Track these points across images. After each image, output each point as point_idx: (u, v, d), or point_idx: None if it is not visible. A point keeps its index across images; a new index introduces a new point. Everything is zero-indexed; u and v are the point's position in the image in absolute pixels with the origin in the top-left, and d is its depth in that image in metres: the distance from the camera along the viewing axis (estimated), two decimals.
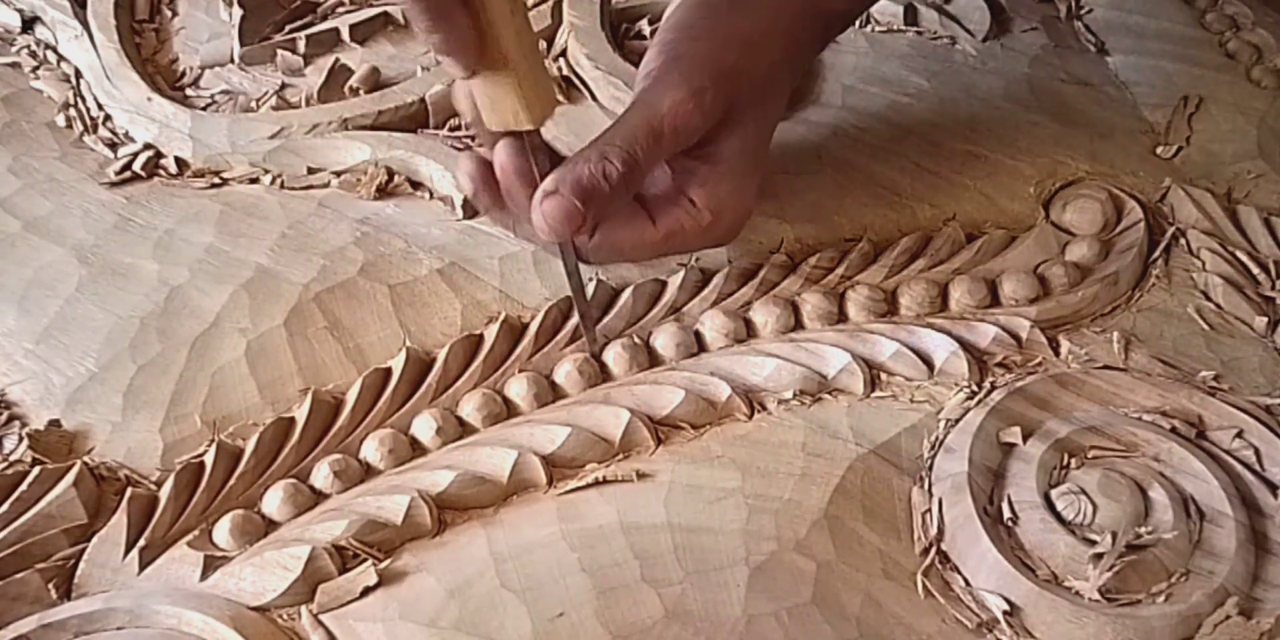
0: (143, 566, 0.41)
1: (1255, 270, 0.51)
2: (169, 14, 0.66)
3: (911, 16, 0.63)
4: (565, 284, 0.50)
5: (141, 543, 0.41)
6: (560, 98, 0.55)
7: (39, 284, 0.51)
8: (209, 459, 0.43)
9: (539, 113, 0.43)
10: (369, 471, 0.44)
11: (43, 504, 0.42)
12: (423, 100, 0.58)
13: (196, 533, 0.42)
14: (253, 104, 0.60)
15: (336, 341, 0.48)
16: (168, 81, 0.62)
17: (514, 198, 0.46)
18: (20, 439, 0.44)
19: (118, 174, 0.56)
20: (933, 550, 0.42)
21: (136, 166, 0.56)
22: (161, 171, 0.56)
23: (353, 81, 0.60)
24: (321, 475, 0.43)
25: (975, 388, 0.46)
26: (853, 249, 0.51)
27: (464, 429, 0.45)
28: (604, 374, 0.47)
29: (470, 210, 0.53)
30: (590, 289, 0.48)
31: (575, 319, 0.48)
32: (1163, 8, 0.65)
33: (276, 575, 0.40)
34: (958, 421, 0.45)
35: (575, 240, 0.46)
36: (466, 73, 0.42)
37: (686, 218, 0.46)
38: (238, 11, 0.63)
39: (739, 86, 0.46)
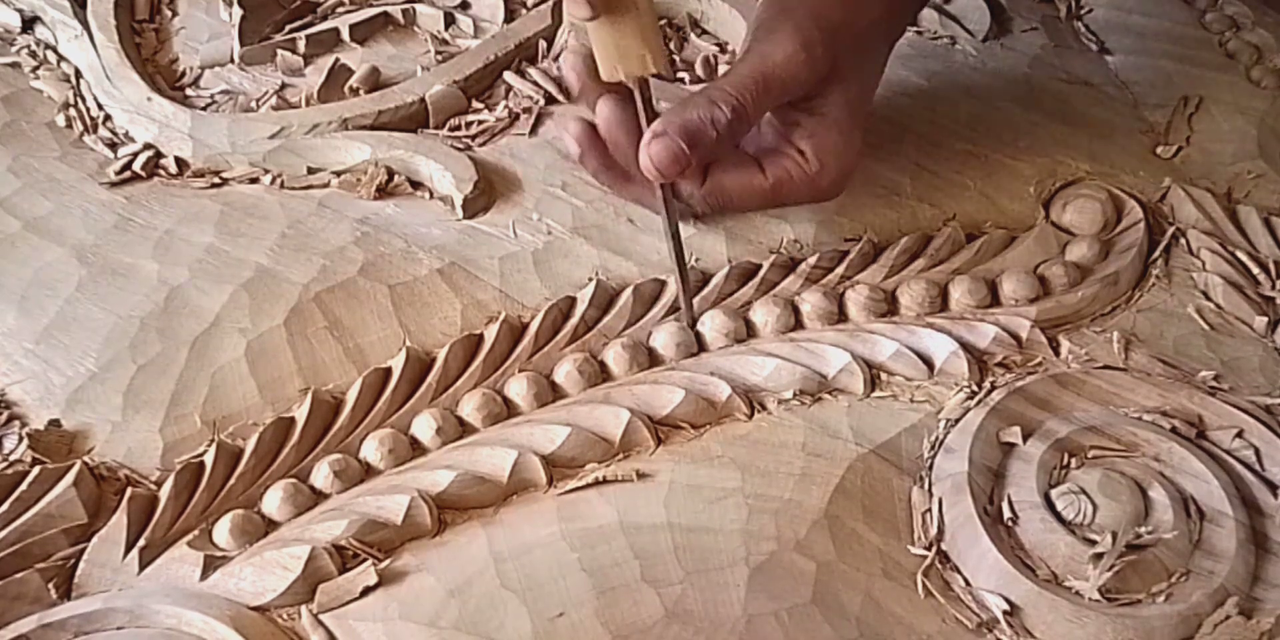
0: (143, 566, 0.41)
1: (1255, 270, 0.51)
2: (169, 14, 0.66)
3: None
4: (565, 284, 0.50)
5: (141, 543, 0.41)
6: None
7: (39, 284, 0.51)
8: (209, 459, 0.43)
9: (663, 57, 0.45)
10: (369, 471, 0.44)
11: (43, 504, 0.42)
12: (423, 100, 0.58)
13: (196, 533, 0.42)
14: (253, 104, 0.60)
15: (336, 341, 0.48)
16: (168, 81, 0.62)
17: (620, 149, 0.47)
18: (20, 439, 0.44)
19: (118, 174, 0.56)
20: (933, 550, 0.42)
21: (136, 166, 0.56)
22: (161, 171, 0.56)
23: (353, 81, 0.60)
24: (321, 475, 0.43)
25: (975, 388, 0.46)
26: (853, 249, 0.51)
27: (464, 429, 0.45)
28: (604, 374, 0.47)
29: (470, 210, 0.53)
30: (684, 260, 0.48)
31: (575, 319, 0.48)
32: (1163, 8, 0.65)
33: (276, 575, 0.40)
34: (958, 421, 0.45)
35: (685, 189, 0.47)
36: (592, 14, 0.43)
37: (794, 167, 0.47)
38: (238, 11, 0.63)
39: (844, 41, 0.47)
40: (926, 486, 0.43)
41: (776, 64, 0.45)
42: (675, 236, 0.47)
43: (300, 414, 0.45)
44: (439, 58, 0.61)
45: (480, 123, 0.58)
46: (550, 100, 0.59)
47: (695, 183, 0.47)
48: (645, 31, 0.44)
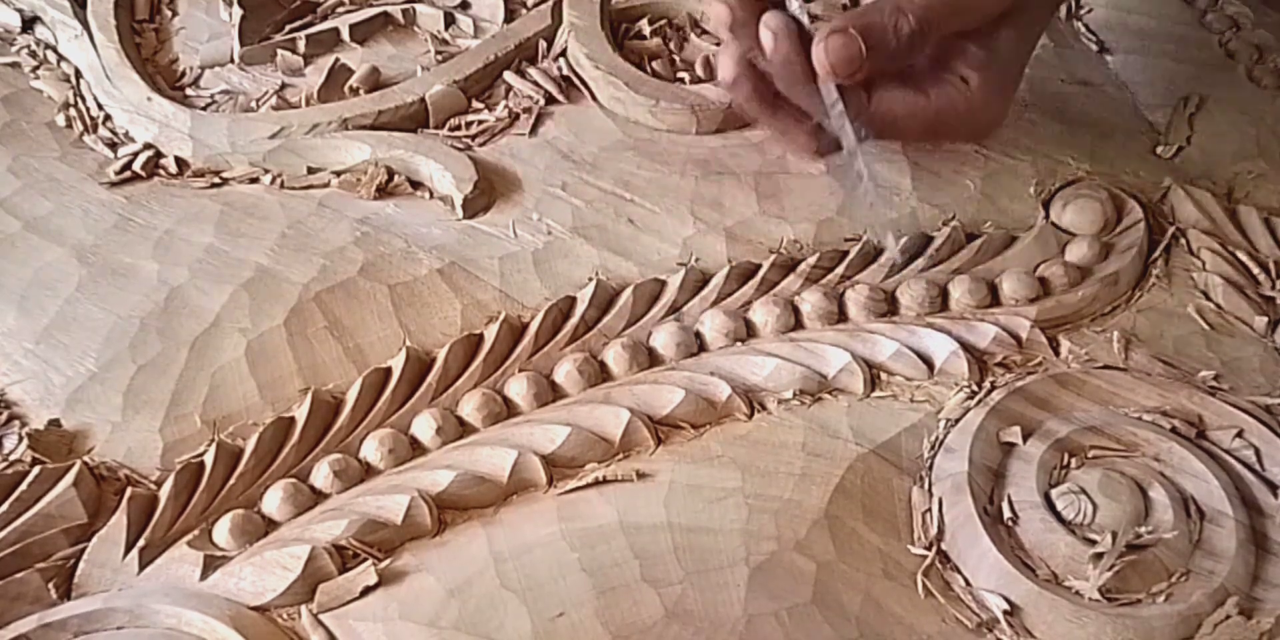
0: (143, 566, 0.41)
1: (1255, 270, 0.51)
2: (169, 14, 0.66)
3: None
4: (565, 284, 0.50)
5: (141, 542, 0.41)
6: None
7: (39, 284, 0.51)
8: (209, 459, 0.43)
9: None
10: (369, 471, 0.44)
11: (43, 504, 0.42)
12: (423, 100, 0.58)
13: (196, 532, 0.42)
14: (253, 104, 0.60)
15: (336, 341, 0.48)
16: (168, 81, 0.62)
17: (787, 62, 0.46)
18: (20, 439, 0.44)
19: (118, 174, 0.56)
20: (933, 550, 0.42)
21: (136, 166, 0.56)
22: (161, 171, 0.56)
23: (353, 81, 0.60)
24: (321, 475, 0.43)
25: (975, 387, 0.46)
26: (852, 249, 0.51)
27: (464, 429, 0.45)
28: (604, 374, 0.47)
29: (470, 210, 0.53)
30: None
31: (575, 319, 0.48)
32: (1163, 8, 0.65)
33: (276, 575, 0.40)
34: (958, 421, 0.45)
35: (851, 108, 0.46)
36: None
37: (958, 94, 0.47)
38: (238, 11, 0.63)
39: None
40: (926, 486, 0.43)
41: None
42: (853, 133, 0.46)
43: (300, 414, 0.45)
44: (439, 58, 0.61)
45: (480, 123, 0.58)
46: (550, 100, 0.59)
47: (863, 102, 0.46)
48: None
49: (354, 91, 0.59)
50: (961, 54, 0.47)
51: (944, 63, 0.48)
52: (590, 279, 0.50)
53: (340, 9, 0.65)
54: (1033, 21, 0.49)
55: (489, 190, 0.54)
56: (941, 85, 0.47)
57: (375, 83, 0.60)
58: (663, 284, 0.50)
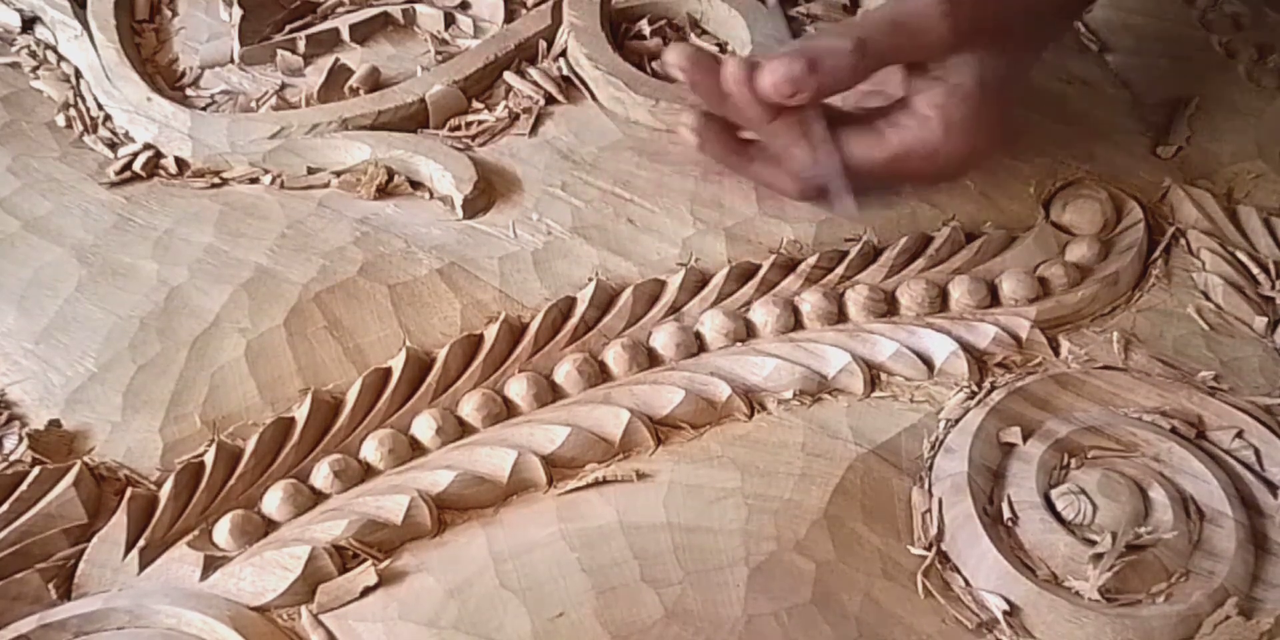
0: (143, 566, 0.41)
1: (1255, 270, 0.51)
2: (169, 14, 0.66)
3: None
4: (565, 284, 0.50)
5: (141, 543, 0.41)
6: None
7: (39, 284, 0.51)
8: (209, 459, 0.43)
9: None
10: (369, 471, 0.44)
11: (43, 504, 0.42)
12: (423, 100, 0.58)
13: (196, 533, 0.42)
14: (253, 104, 0.60)
15: (336, 341, 0.48)
16: (168, 81, 0.62)
17: (742, 102, 0.45)
18: (20, 439, 0.44)
19: (118, 174, 0.56)
20: (933, 550, 0.42)
21: (136, 166, 0.56)
22: (161, 171, 0.56)
23: (353, 81, 0.60)
24: (321, 475, 0.43)
25: (975, 388, 0.46)
26: (852, 249, 0.51)
27: (464, 429, 0.45)
28: (604, 374, 0.47)
29: (470, 210, 0.53)
30: None
31: (575, 319, 0.48)
32: (1163, 8, 0.65)
33: (276, 575, 0.40)
34: (958, 421, 0.45)
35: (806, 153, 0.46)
36: None
37: (918, 134, 0.45)
38: (238, 11, 0.63)
39: (994, 12, 0.45)
40: (926, 487, 0.43)
41: (911, 11, 0.43)
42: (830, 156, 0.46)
43: (300, 414, 0.45)
44: (439, 58, 0.61)
45: (480, 123, 0.58)
46: (550, 100, 0.59)
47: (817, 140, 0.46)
48: None
49: (354, 91, 0.59)
50: (920, 91, 0.46)
51: (905, 102, 0.46)
52: (590, 279, 0.50)
53: (340, 9, 0.65)
54: (1006, 53, 0.46)
55: (489, 190, 0.54)
56: (901, 126, 0.46)
57: (375, 83, 0.60)
58: (663, 284, 0.50)
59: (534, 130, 0.57)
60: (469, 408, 0.46)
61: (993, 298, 0.49)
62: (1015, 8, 0.46)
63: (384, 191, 0.55)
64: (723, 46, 0.63)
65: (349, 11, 0.65)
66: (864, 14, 0.46)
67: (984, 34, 0.45)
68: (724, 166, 0.51)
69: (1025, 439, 0.44)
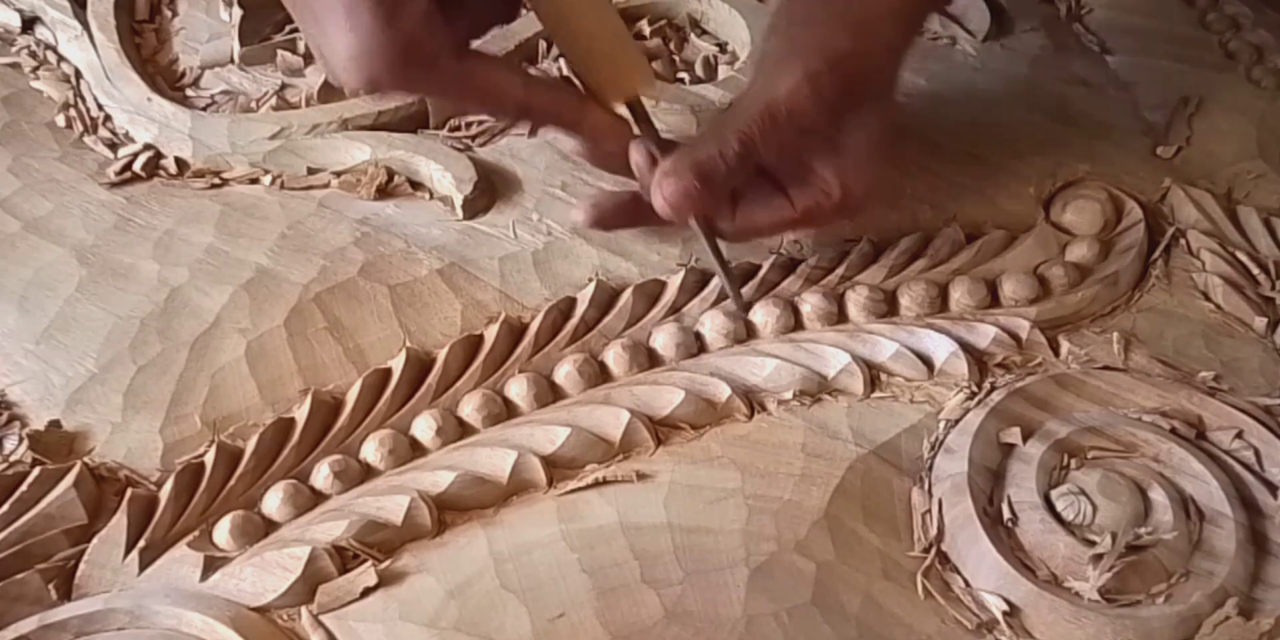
0: (143, 567, 0.41)
1: (1255, 270, 0.51)
2: (169, 14, 0.66)
3: None
4: (565, 285, 0.50)
5: (142, 543, 0.41)
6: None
7: (39, 284, 0.51)
8: (209, 459, 0.43)
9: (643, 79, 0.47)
10: (369, 472, 0.44)
11: (43, 504, 0.42)
12: (423, 100, 0.58)
13: (196, 533, 0.42)
14: (253, 104, 0.60)
15: (336, 342, 0.48)
16: (168, 81, 0.62)
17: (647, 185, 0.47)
18: (20, 439, 0.44)
19: (118, 174, 0.56)
20: (932, 551, 0.42)
21: (136, 167, 0.56)
22: (161, 172, 0.56)
23: None
24: (321, 476, 0.43)
25: (975, 388, 0.46)
26: (853, 249, 0.51)
27: (464, 429, 0.45)
28: (604, 374, 0.47)
29: (470, 210, 0.53)
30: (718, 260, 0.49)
31: (575, 319, 0.48)
32: (1163, 8, 0.65)
33: (276, 576, 0.40)
34: (958, 422, 0.45)
35: (719, 225, 0.48)
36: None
37: (820, 195, 0.47)
38: (238, 11, 0.63)
39: (854, 70, 0.46)
40: (926, 487, 0.43)
41: (781, 99, 0.45)
42: (714, 249, 0.47)
43: (300, 414, 0.45)
44: None
45: (480, 123, 0.58)
46: None
47: (727, 217, 0.47)
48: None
49: (354, 92, 0.59)
50: (815, 155, 0.47)
51: (801, 162, 0.47)
52: (590, 279, 0.50)
53: None
54: (878, 98, 0.48)
55: (489, 190, 0.54)
56: (803, 188, 0.47)
57: None
58: (663, 284, 0.50)
59: (534, 131, 0.57)
60: (469, 408, 0.46)
61: (993, 298, 0.49)
62: (874, 50, 0.47)
63: (384, 192, 0.55)
64: (723, 47, 0.63)
65: None
66: (736, 106, 0.47)
67: (855, 92, 0.46)
68: (632, 227, 0.52)
69: (1025, 439, 0.44)
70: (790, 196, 0.47)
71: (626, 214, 0.50)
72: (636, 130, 0.47)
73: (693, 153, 0.45)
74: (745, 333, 0.48)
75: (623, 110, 0.47)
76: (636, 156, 0.47)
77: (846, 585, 0.41)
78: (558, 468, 0.44)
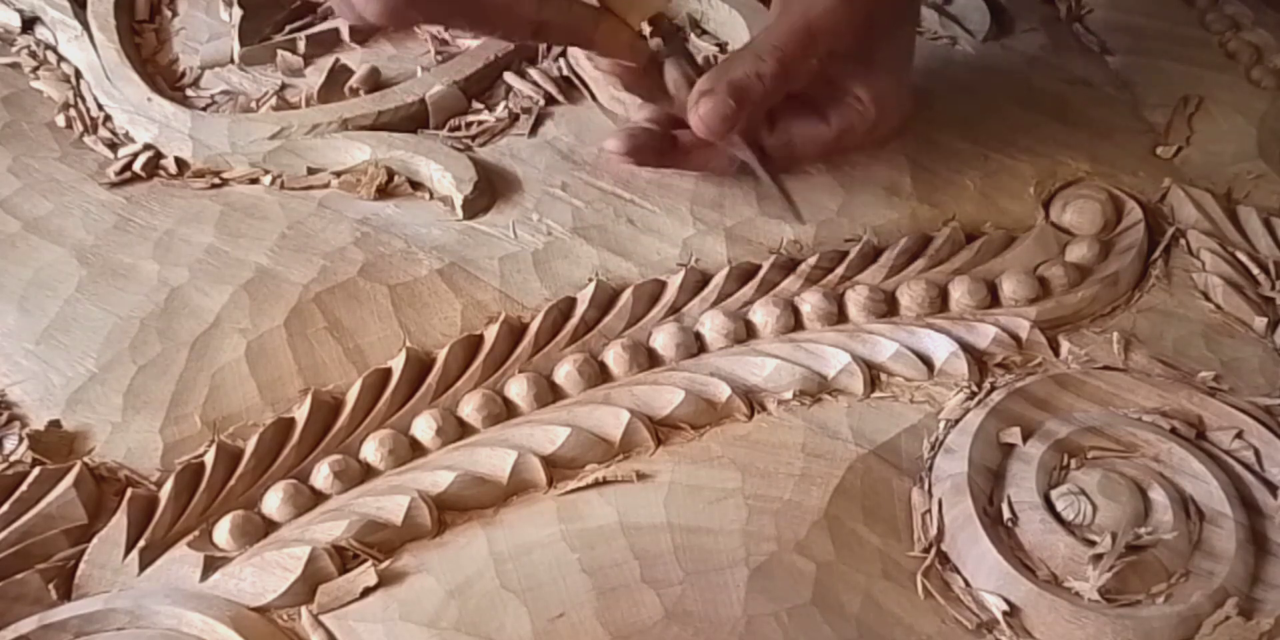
0: (143, 567, 0.41)
1: (1255, 270, 0.51)
2: (169, 14, 0.66)
3: None
4: (565, 284, 0.50)
5: (142, 543, 0.41)
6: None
7: (39, 284, 0.51)
8: (209, 459, 0.43)
9: None
10: (369, 472, 0.44)
11: (43, 504, 0.42)
12: (423, 100, 0.58)
13: (196, 533, 0.42)
14: (253, 104, 0.60)
15: (336, 342, 0.48)
16: (168, 81, 0.62)
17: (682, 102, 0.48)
18: (20, 439, 0.44)
19: (118, 174, 0.56)
20: (932, 551, 0.42)
21: (136, 167, 0.56)
22: (161, 172, 0.56)
23: (353, 82, 0.60)
24: (321, 476, 0.43)
25: (975, 388, 0.46)
26: (853, 249, 0.51)
27: (464, 429, 0.45)
28: (604, 374, 0.47)
29: (470, 210, 0.53)
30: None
31: (575, 319, 0.48)
32: (1163, 8, 0.65)
33: (276, 575, 0.40)
34: (958, 422, 0.45)
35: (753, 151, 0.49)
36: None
37: (855, 115, 0.49)
38: (238, 11, 0.63)
39: None
40: (926, 487, 0.43)
41: (818, 16, 0.46)
42: (764, 165, 0.48)
43: (300, 414, 0.45)
44: (439, 58, 0.61)
45: (480, 123, 0.58)
46: (550, 101, 0.59)
47: (764, 138, 0.49)
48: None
49: (354, 92, 0.59)
50: (849, 76, 0.48)
51: (836, 84, 0.49)
52: (590, 279, 0.50)
53: None
54: (902, 24, 0.50)
55: (489, 191, 0.54)
56: (838, 107, 0.49)
57: (375, 83, 0.60)
58: (663, 284, 0.50)
59: (534, 130, 0.57)
60: (469, 408, 0.46)
61: (993, 298, 0.49)
62: None
63: (384, 192, 0.55)
64: (723, 47, 0.63)
65: None
66: (772, 26, 0.48)
67: (882, 15, 0.48)
68: (660, 167, 0.53)
69: (1025, 439, 0.44)
70: (826, 118, 0.48)
71: (658, 153, 0.51)
72: (658, 46, 0.47)
73: (729, 72, 0.46)
74: (745, 333, 0.48)
75: (645, 30, 0.47)
76: (672, 73, 0.47)
77: (846, 585, 0.41)
78: (558, 468, 0.44)
